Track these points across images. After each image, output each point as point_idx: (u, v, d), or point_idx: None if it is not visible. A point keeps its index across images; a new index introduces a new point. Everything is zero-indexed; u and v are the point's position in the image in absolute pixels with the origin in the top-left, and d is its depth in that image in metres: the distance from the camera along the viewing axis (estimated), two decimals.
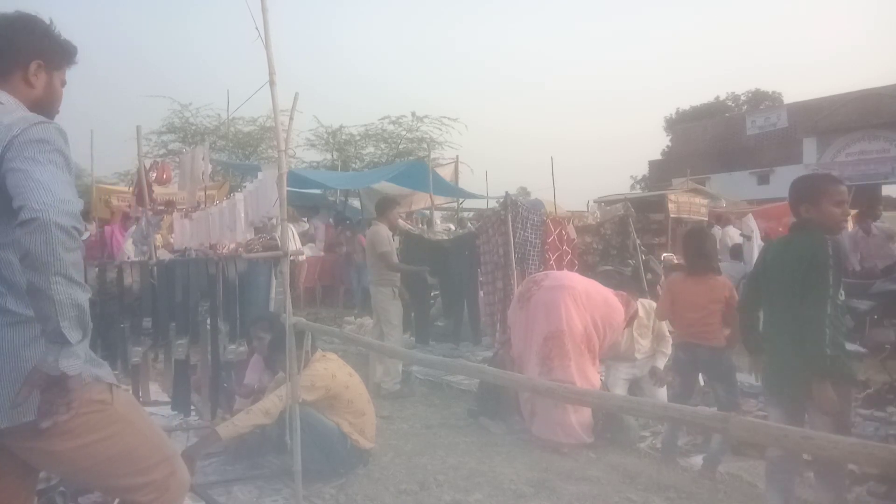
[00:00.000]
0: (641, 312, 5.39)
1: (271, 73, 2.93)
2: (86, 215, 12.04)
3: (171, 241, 9.49)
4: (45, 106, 1.91)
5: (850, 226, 11.09)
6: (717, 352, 4.17)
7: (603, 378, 5.16)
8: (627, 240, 8.67)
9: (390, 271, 6.51)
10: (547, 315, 4.85)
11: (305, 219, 13.82)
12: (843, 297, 3.07)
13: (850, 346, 6.53)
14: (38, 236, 1.55)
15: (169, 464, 1.97)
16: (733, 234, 11.61)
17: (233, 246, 8.21)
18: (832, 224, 3.16)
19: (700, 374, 4.50)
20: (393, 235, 6.96)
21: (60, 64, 1.96)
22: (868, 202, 10.27)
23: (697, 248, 4.41)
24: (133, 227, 9.07)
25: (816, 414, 3.06)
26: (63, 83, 1.99)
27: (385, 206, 6.89)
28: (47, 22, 1.94)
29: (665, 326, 5.36)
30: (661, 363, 5.39)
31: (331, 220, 14.75)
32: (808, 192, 3.21)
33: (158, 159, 14.20)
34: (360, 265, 12.10)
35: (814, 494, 3.51)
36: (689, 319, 4.27)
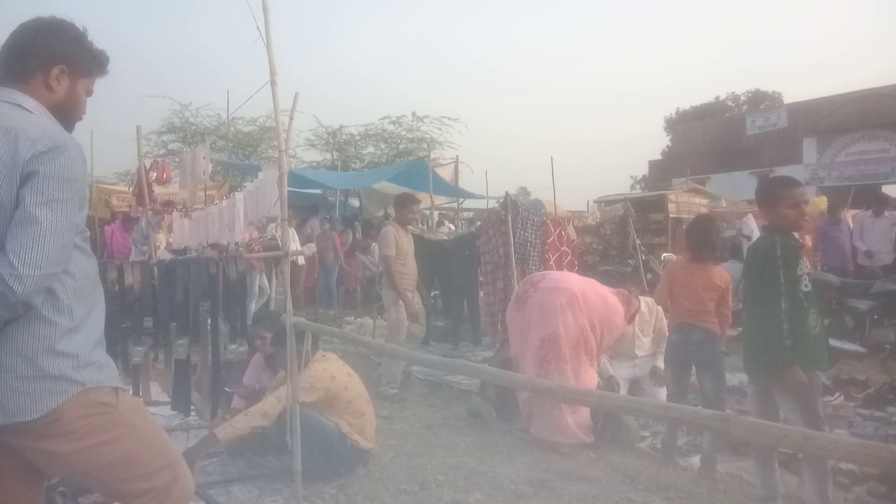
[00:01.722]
0: (644, 308, 5.39)
1: (272, 73, 2.93)
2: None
3: (170, 240, 9.48)
4: (65, 112, 1.91)
5: (849, 221, 11.09)
6: (709, 334, 4.30)
7: (601, 370, 5.13)
8: (627, 240, 8.68)
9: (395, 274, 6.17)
10: (543, 318, 4.84)
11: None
12: (807, 288, 3.32)
13: (849, 346, 6.59)
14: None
15: (172, 470, 1.95)
16: None
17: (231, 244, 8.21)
18: (789, 225, 3.43)
19: (692, 366, 4.53)
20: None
21: (87, 72, 1.95)
22: (875, 200, 10.34)
23: (702, 236, 4.51)
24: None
25: (782, 396, 3.36)
26: (89, 92, 1.98)
27: (399, 203, 6.51)
28: (80, 29, 1.93)
29: (666, 326, 5.36)
30: (661, 362, 5.39)
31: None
32: (765, 196, 3.50)
33: (158, 159, 14.21)
34: (328, 264, 12.15)
35: (802, 490, 3.54)
36: (686, 304, 4.37)
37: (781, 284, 3.22)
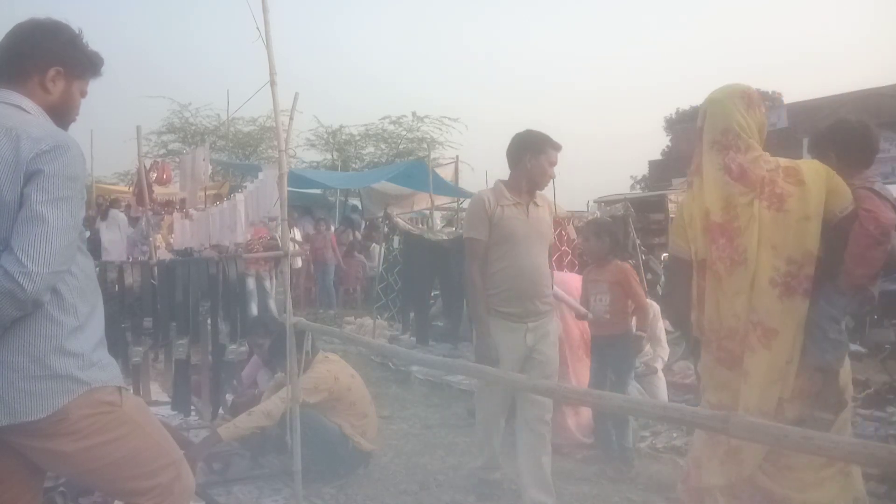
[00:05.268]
0: None
1: (272, 73, 2.94)
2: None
3: (171, 241, 9.49)
4: (60, 113, 1.92)
5: None
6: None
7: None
8: (627, 240, 8.66)
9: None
10: None
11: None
12: None
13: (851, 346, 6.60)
14: (7, 303, 1.63)
15: (175, 468, 1.97)
16: None
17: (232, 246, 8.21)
18: None
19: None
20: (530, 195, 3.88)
21: (82, 74, 1.96)
22: None
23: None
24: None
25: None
26: (83, 94, 1.99)
27: (524, 145, 3.83)
28: (76, 31, 1.94)
29: (663, 331, 5.36)
30: (660, 365, 5.39)
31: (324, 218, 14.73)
32: None
33: (158, 159, 14.24)
34: (325, 264, 12.11)
35: None
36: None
37: None
